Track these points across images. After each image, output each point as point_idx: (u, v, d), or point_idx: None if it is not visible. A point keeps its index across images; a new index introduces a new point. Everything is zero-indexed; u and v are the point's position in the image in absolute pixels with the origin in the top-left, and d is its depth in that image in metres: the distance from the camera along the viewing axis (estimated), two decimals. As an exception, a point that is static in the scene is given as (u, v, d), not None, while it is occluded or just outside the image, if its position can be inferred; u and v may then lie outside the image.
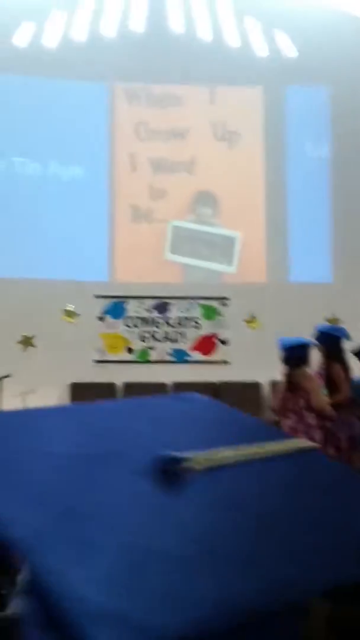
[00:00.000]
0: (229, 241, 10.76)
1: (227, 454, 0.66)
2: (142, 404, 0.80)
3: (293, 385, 6.45)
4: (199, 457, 0.62)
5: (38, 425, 0.71)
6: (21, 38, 10.19)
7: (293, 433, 5.86)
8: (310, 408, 6.34)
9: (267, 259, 10.85)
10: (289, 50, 10.63)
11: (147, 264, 10.58)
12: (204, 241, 10.70)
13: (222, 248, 10.75)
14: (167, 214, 10.73)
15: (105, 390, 10.09)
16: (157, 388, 10.23)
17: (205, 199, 10.84)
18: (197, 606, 0.45)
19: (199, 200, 10.84)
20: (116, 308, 10.47)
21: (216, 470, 0.61)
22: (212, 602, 0.49)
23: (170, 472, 0.60)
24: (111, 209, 10.72)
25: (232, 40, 10.51)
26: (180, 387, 10.29)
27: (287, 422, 6.36)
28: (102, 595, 0.50)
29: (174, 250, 10.66)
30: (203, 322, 10.66)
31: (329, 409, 6.37)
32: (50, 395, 10.00)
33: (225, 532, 0.56)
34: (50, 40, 10.23)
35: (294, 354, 6.48)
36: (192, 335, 10.64)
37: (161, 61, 10.42)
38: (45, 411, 0.73)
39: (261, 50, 10.58)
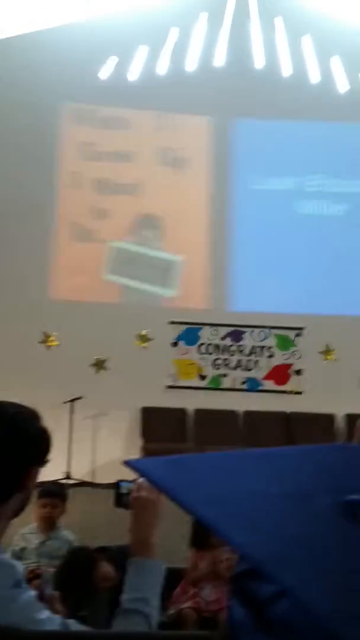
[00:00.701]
0: (170, 265, 10.62)
1: None
2: (316, 450, 0.88)
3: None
4: None
5: (237, 468, 0.80)
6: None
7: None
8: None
9: (210, 286, 10.66)
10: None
11: (85, 282, 10.47)
12: (144, 263, 10.55)
13: (163, 271, 10.58)
14: (108, 234, 10.66)
15: (176, 415, 10.12)
16: (228, 416, 10.21)
17: (148, 223, 10.78)
18: None
19: (142, 223, 10.77)
20: (190, 334, 10.52)
21: None
22: None
23: (353, 512, 0.68)
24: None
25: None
26: (251, 415, 10.24)
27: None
28: (340, 604, 0.59)
29: (113, 271, 10.60)
30: (277, 352, 10.58)
31: None
32: (121, 418, 10.11)
33: None
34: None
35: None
36: (266, 364, 10.58)
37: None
38: (233, 454, 0.82)
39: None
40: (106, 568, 3.64)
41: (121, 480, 2.09)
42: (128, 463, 0.80)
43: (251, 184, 10.87)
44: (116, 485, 2.09)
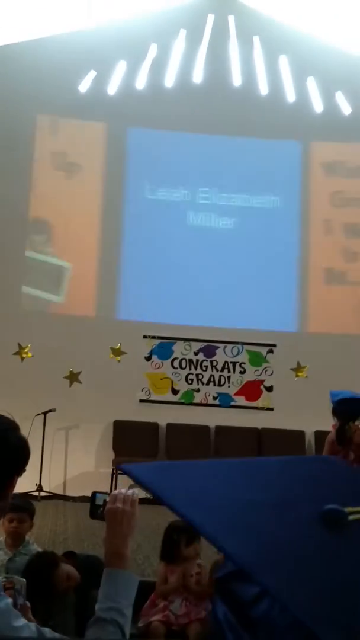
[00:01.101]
0: (59, 271, 10.64)
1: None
2: (298, 461, 0.93)
3: (344, 438, 6.37)
4: (355, 509, 0.75)
5: (225, 475, 0.85)
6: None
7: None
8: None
9: (96, 294, 10.72)
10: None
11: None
12: (34, 268, 10.55)
13: (52, 277, 10.60)
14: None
15: (148, 429, 10.14)
16: (200, 430, 10.25)
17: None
18: None
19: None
20: (163, 349, 10.56)
21: None
22: None
23: (339, 523, 0.72)
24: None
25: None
26: (222, 430, 10.29)
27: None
28: (318, 604, 0.63)
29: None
30: (249, 368, 10.66)
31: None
32: (94, 431, 10.10)
33: None
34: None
35: (346, 407, 6.41)
36: (237, 380, 10.64)
37: None
38: (221, 462, 0.87)
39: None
40: (68, 569, 3.66)
41: (96, 492, 2.13)
42: (122, 468, 0.85)
43: (145, 192, 10.88)
44: (91, 497, 2.12)
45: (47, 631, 1.64)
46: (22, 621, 1.58)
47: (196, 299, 10.50)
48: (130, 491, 1.99)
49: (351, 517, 0.75)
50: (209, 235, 10.86)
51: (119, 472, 9.56)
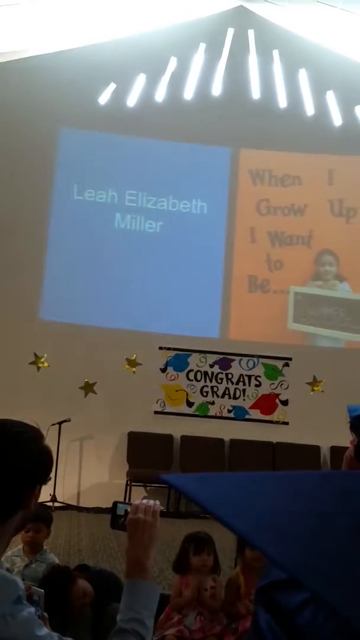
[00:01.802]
0: None
1: None
2: (329, 475, 0.96)
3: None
4: None
5: (261, 486, 0.87)
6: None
7: None
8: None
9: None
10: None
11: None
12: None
13: None
14: None
15: (162, 441, 10.12)
16: (214, 443, 10.21)
17: None
18: None
19: None
20: (179, 360, 10.54)
21: None
22: None
23: None
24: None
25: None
26: (237, 443, 10.25)
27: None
28: None
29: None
30: (264, 381, 10.62)
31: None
32: (108, 442, 10.09)
33: None
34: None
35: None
36: (253, 393, 10.61)
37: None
38: (256, 474, 0.89)
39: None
40: (84, 585, 3.65)
41: (118, 502, 2.12)
42: (162, 478, 0.85)
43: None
44: (113, 507, 2.11)
45: (69, 641, 1.63)
46: (44, 630, 1.57)
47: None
48: (151, 502, 1.98)
49: None
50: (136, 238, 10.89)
51: (133, 483, 9.54)
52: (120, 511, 2.08)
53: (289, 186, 11.07)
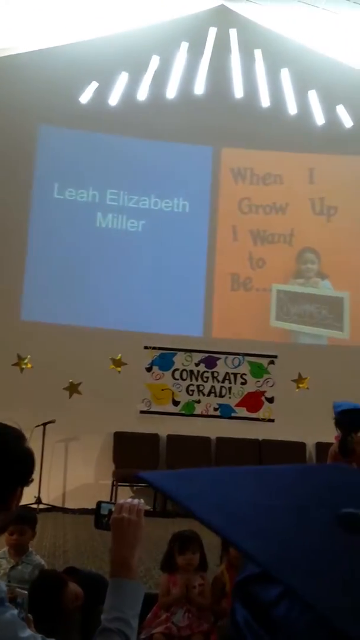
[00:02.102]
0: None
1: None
2: (311, 469, 0.96)
3: (346, 450, 6.35)
4: None
5: (240, 481, 0.87)
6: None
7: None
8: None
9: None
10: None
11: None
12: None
13: None
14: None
15: (148, 440, 10.10)
16: (201, 441, 10.22)
17: None
18: None
19: None
20: (164, 359, 10.53)
21: None
22: None
23: (354, 525, 0.75)
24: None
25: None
26: (223, 441, 10.26)
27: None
28: (340, 599, 0.64)
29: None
30: (250, 379, 10.63)
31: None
32: (94, 443, 10.06)
33: None
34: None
35: (349, 418, 6.38)
36: (238, 391, 10.62)
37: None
38: (236, 469, 0.88)
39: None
40: (75, 588, 3.64)
41: (102, 502, 2.11)
42: (140, 476, 0.84)
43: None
44: (97, 507, 2.10)
45: (53, 642, 1.62)
46: (27, 632, 1.55)
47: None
48: (136, 501, 1.97)
49: None
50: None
51: (119, 483, 9.52)
52: (104, 511, 2.06)
53: (270, 185, 11.10)
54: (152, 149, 10.82)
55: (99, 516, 2.07)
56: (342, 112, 10.89)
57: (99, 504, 2.10)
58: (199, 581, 4.22)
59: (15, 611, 1.57)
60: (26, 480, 1.76)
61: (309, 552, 0.68)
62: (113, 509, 1.98)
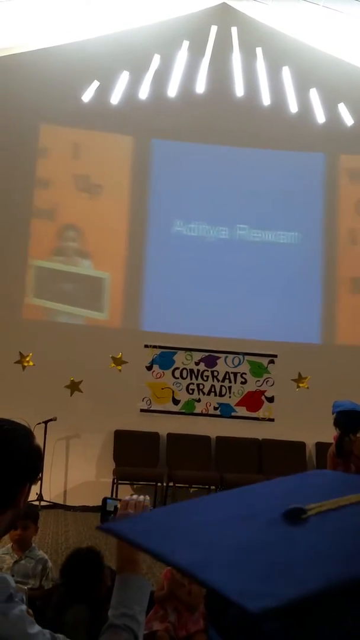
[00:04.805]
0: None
1: (341, 500, 0.83)
2: (279, 481, 1.00)
3: (343, 450, 6.36)
4: (315, 505, 0.81)
5: (195, 509, 0.93)
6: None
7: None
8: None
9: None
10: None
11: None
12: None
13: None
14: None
15: (148, 439, 10.11)
16: (201, 440, 10.22)
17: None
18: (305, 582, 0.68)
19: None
20: (164, 358, 10.54)
21: (328, 512, 0.81)
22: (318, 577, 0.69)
23: (297, 519, 0.79)
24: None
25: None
26: (223, 440, 10.27)
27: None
28: (251, 584, 0.68)
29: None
30: (250, 378, 10.64)
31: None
32: (94, 441, 10.07)
33: (329, 543, 0.75)
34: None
35: (349, 419, 6.40)
36: (239, 390, 10.62)
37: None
38: (203, 499, 0.94)
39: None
40: (108, 574, 3.66)
41: (107, 498, 2.12)
42: (101, 528, 0.91)
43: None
44: (102, 503, 2.11)
45: (61, 637, 1.63)
46: (36, 627, 1.56)
47: (200, 309, 10.49)
48: (141, 497, 1.98)
49: (309, 512, 0.80)
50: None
51: (119, 481, 9.54)
52: (110, 507, 2.08)
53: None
54: (156, 148, 10.83)
55: (105, 512, 2.09)
56: (343, 110, 10.88)
57: (104, 500, 2.11)
58: (187, 580, 4.24)
59: (24, 607, 1.59)
60: (35, 477, 1.77)
61: (233, 551, 0.71)
62: (119, 505, 1.99)
